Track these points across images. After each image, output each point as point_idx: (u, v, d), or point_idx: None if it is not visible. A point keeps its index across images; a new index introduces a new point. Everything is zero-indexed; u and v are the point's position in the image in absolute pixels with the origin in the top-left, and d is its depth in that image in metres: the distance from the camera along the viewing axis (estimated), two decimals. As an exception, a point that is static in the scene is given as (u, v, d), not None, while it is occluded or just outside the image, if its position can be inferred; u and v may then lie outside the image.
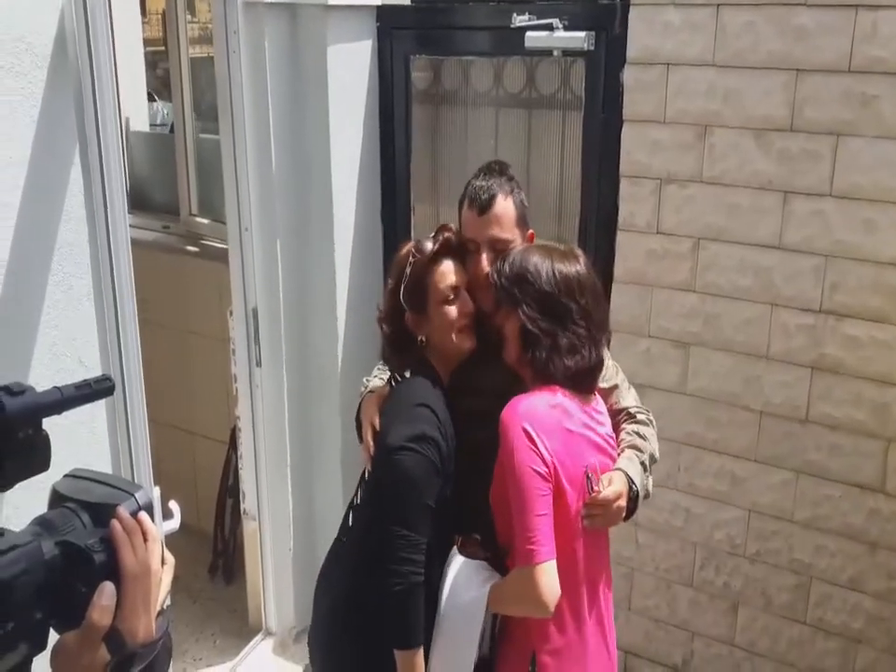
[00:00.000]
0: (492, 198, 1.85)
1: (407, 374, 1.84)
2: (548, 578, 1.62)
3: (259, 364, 2.91)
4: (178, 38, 3.78)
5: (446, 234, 1.85)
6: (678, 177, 2.54)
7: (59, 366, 1.90)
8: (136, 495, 0.81)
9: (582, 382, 1.76)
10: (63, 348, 1.98)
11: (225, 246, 2.96)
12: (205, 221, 3.84)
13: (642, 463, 1.85)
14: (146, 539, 0.81)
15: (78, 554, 0.76)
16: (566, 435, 1.68)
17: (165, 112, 6.88)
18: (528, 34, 2.56)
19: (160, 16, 9.22)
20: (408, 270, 1.81)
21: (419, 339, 1.84)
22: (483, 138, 2.95)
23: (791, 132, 2.36)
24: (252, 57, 2.66)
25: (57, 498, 0.81)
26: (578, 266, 1.77)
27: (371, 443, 1.84)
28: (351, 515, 1.93)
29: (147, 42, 9.89)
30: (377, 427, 1.84)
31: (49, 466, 0.77)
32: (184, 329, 3.65)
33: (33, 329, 1.91)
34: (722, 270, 2.53)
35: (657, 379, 2.69)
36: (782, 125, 2.37)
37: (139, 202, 4.10)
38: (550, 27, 2.55)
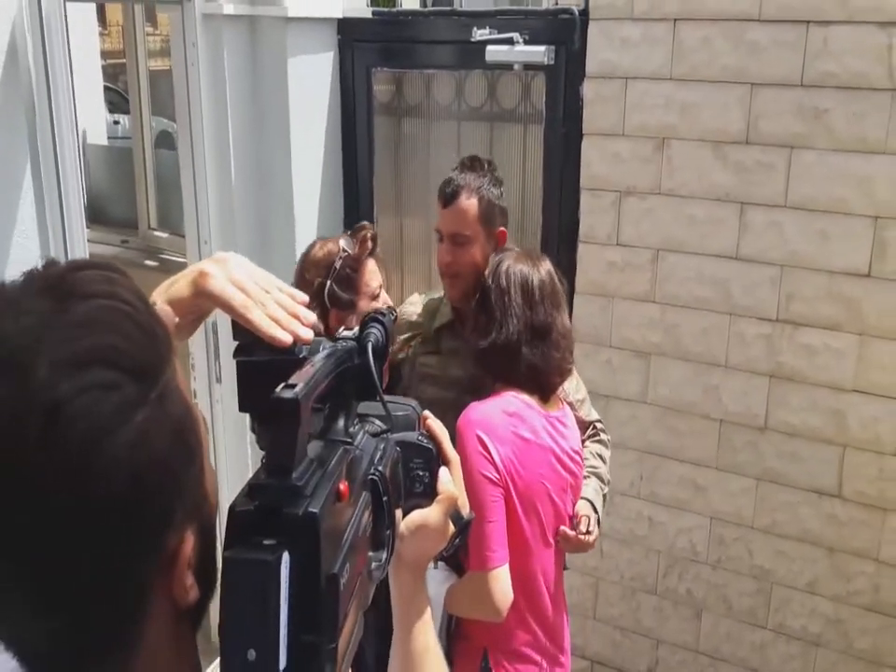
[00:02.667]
0: (455, 193, 1.91)
1: None
2: (500, 583, 1.64)
3: (219, 380, 2.88)
4: (137, 50, 3.75)
5: (369, 233, 1.87)
6: (637, 190, 2.58)
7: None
8: (413, 405, 0.90)
9: (542, 383, 1.77)
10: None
11: (185, 260, 2.93)
12: (164, 235, 3.80)
13: (604, 495, 1.92)
14: None
15: (415, 448, 0.86)
16: (520, 443, 1.69)
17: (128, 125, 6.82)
18: (489, 48, 2.58)
19: (120, 28, 9.14)
20: (337, 266, 1.81)
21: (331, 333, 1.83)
22: (445, 151, 2.97)
23: (747, 144, 2.41)
24: (211, 69, 2.64)
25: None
26: (538, 270, 1.79)
27: None
28: None
29: (107, 54, 9.82)
30: None
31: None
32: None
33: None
34: (681, 280, 2.57)
35: (619, 389, 2.72)
36: (738, 138, 2.42)
37: (97, 216, 4.05)
38: (510, 41, 2.58)
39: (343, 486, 0.63)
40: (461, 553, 1.75)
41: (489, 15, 2.69)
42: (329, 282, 1.80)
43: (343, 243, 1.84)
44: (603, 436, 2.05)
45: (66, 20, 2.02)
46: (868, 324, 2.34)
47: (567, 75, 2.61)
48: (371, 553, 0.72)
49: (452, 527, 0.88)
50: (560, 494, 1.77)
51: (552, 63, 2.58)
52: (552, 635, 1.83)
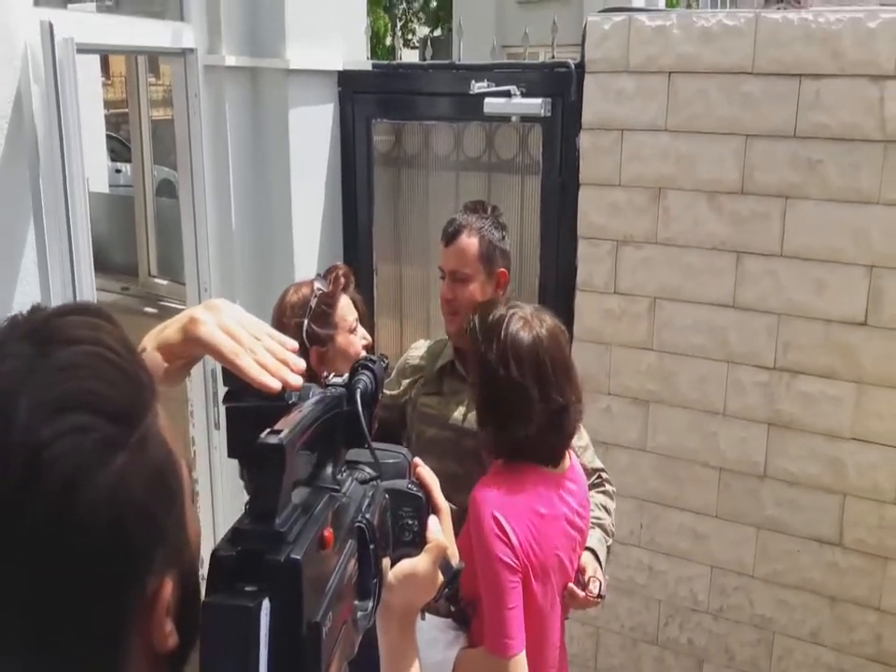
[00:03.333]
0: (456, 232, 1.98)
1: None
2: (519, 669, 1.62)
3: (217, 426, 2.87)
4: (139, 100, 3.81)
5: (341, 271, 1.91)
6: (634, 239, 2.60)
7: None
8: (404, 452, 0.91)
9: (558, 455, 1.72)
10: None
11: (184, 307, 2.94)
12: (164, 282, 3.82)
13: (608, 547, 1.92)
14: None
15: (404, 496, 0.86)
16: (537, 520, 1.64)
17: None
18: (487, 100, 2.63)
19: (123, 78, 9.29)
20: (312, 305, 1.83)
21: (323, 376, 1.82)
22: (444, 201, 3.00)
23: (742, 194, 2.44)
24: (213, 119, 2.68)
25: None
26: (535, 332, 1.69)
27: None
28: None
29: (110, 104, 9.96)
30: None
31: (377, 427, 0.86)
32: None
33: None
34: (679, 329, 2.58)
35: (618, 436, 2.71)
36: (733, 188, 2.45)
37: (98, 262, 4.04)
38: (508, 94, 2.63)
39: (327, 533, 0.62)
40: (468, 609, 1.72)
41: (487, 68, 2.74)
42: (305, 321, 1.82)
43: (316, 283, 1.87)
44: (608, 486, 2.03)
45: (76, 70, 2.07)
46: (865, 372, 2.35)
47: (563, 126, 2.66)
48: (356, 602, 0.72)
49: (441, 577, 0.88)
50: (570, 554, 1.73)
51: (548, 114, 2.63)
52: None
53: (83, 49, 2.15)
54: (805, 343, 2.42)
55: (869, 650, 2.45)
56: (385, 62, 3.11)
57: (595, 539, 1.87)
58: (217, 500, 2.93)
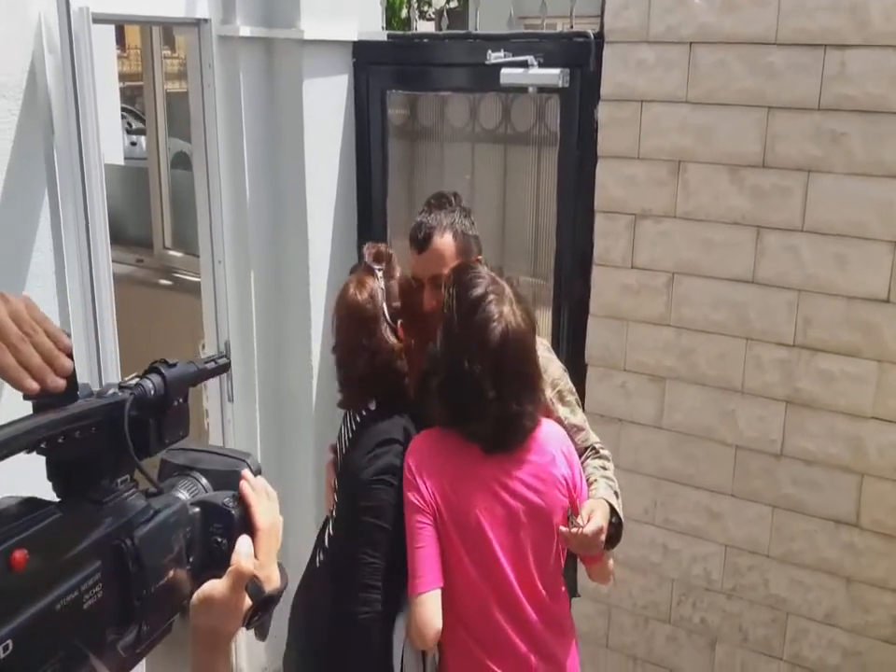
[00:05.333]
0: (428, 236, 1.89)
1: (372, 406, 1.84)
2: (424, 608, 1.63)
3: (230, 399, 2.87)
4: (154, 72, 3.78)
5: (384, 249, 1.92)
6: (652, 213, 2.56)
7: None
8: (248, 461, 0.90)
9: (487, 444, 1.72)
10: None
11: (198, 279, 2.93)
12: (179, 254, 3.82)
13: (615, 492, 1.87)
14: (267, 498, 0.90)
15: (216, 511, 0.83)
16: (452, 476, 1.69)
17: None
18: (503, 70, 2.58)
19: (138, 50, 9.26)
20: (391, 286, 1.85)
21: (406, 344, 1.83)
22: (459, 173, 2.96)
23: (764, 168, 2.39)
24: (227, 91, 2.66)
25: (173, 468, 0.89)
26: (504, 328, 1.67)
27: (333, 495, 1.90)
28: (320, 553, 1.92)
29: (125, 77, 9.93)
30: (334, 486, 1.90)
31: (188, 432, 0.83)
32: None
33: None
34: (697, 304, 2.54)
35: (634, 413, 2.69)
36: (755, 161, 2.40)
37: (113, 235, 4.05)
38: (525, 64, 2.58)
39: (18, 554, 0.59)
40: None
41: (504, 38, 2.69)
42: (384, 304, 1.82)
43: (375, 268, 1.86)
44: (603, 451, 1.99)
45: (91, 40, 2.05)
46: (888, 350, 2.30)
47: (581, 97, 2.61)
48: (112, 628, 0.69)
49: (249, 602, 0.83)
50: (506, 520, 1.72)
51: (566, 85, 2.58)
52: (523, 667, 1.78)
53: (98, 19, 2.13)
54: (826, 320, 2.37)
55: (885, 631, 2.42)
56: (401, 32, 3.06)
57: (601, 489, 1.84)
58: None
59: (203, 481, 0.87)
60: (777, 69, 2.33)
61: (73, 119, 2.01)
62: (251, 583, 0.83)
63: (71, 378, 0.72)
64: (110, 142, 4.55)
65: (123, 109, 6.40)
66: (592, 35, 2.55)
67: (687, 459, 2.64)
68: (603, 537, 1.72)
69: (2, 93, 1.88)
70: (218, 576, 0.82)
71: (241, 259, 2.78)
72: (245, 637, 3.08)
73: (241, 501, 0.86)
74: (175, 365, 0.80)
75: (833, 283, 2.35)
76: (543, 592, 1.78)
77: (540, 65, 2.57)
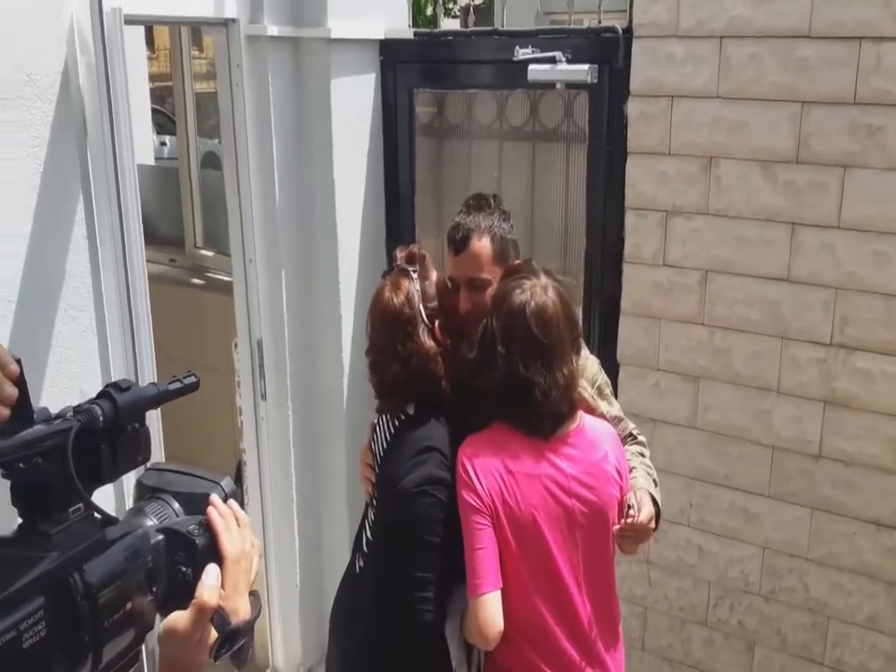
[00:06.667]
0: (466, 238, 1.86)
1: (410, 411, 1.81)
2: (486, 610, 1.63)
3: (263, 397, 2.89)
4: (183, 73, 3.80)
5: (417, 250, 1.88)
6: (683, 209, 2.52)
7: (61, 398, 1.88)
8: (222, 483, 0.87)
9: (528, 427, 1.73)
10: (65, 380, 1.97)
11: (230, 279, 2.95)
12: (210, 254, 3.85)
13: (654, 480, 1.89)
14: (238, 524, 0.86)
15: (181, 539, 0.80)
16: (507, 475, 1.69)
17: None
18: (531, 66, 2.56)
19: (167, 51, 9.34)
20: (427, 287, 1.83)
21: (444, 345, 1.81)
22: (486, 171, 2.95)
23: (798, 164, 2.35)
24: (256, 90, 2.66)
25: (146, 491, 0.87)
26: (526, 300, 1.70)
27: (370, 479, 1.87)
28: (360, 559, 1.90)
29: (155, 77, 10.03)
30: (370, 464, 1.88)
31: (150, 457, 0.81)
32: (190, 361, 3.62)
33: (35, 360, 1.91)
34: (730, 302, 2.50)
35: (667, 413, 2.65)
36: (788, 157, 2.35)
37: (145, 234, 4.10)
38: (553, 60, 2.55)
39: None
40: None
41: (531, 34, 2.67)
42: (420, 306, 1.79)
43: (410, 269, 1.83)
44: (640, 437, 2.03)
45: (124, 41, 2.06)
46: (928, 348, 2.25)
47: (610, 93, 2.58)
48: (62, 665, 0.67)
49: (214, 634, 0.81)
50: (559, 521, 1.71)
51: (595, 81, 2.55)
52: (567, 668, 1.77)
53: (130, 20, 2.14)
54: (864, 319, 2.32)
55: (928, 635, 2.38)
56: (427, 29, 3.05)
57: (640, 478, 1.86)
58: (263, 470, 2.95)
59: (175, 504, 0.85)
60: (810, 63, 2.28)
61: (106, 119, 2.02)
62: (216, 615, 0.80)
63: (20, 404, 0.70)
64: (141, 142, 4.58)
65: (154, 110, 6.46)
66: (620, 31, 2.51)
67: (722, 459, 2.60)
68: (653, 524, 1.74)
69: (36, 95, 1.90)
70: (184, 606, 0.79)
71: (271, 257, 2.79)
72: (280, 634, 3.10)
73: (208, 528, 0.83)
74: (128, 388, 0.77)
75: (870, 280, 2.30)
76: (597, 595, 1.78)
77: (568, 61, 2.55)
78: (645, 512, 1.74)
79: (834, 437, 2.41)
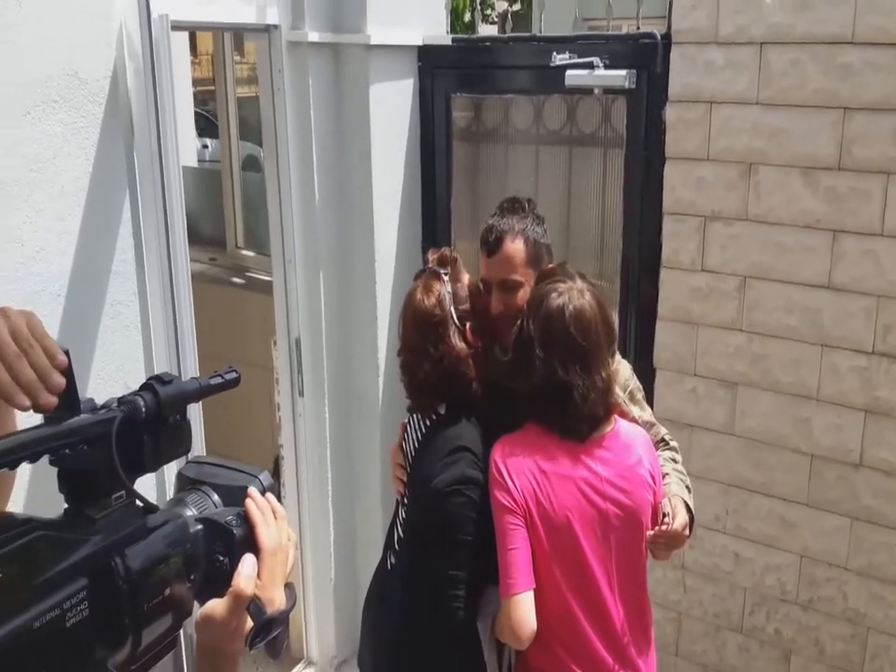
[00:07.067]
0: (499, 240, 1.87)
1: (441, 411, 1.83)
2: (519, 610, 1.63)
3: (301, 394, 2.92)
4: (226, 78, 3.86)
5: (450, 253, 1.90)
6: (722, 215, 2.51)
7: (107, 390, 1.93)
8: (260, 477, 0.89)
9: (564, 430, 1.73)
10: (110, 373, 2.02)
11: (269, 278, 2.99)
12: (251, 254, 3.90)
13: (687, 486, 1.89)
14: (275, 517, 0.88)
15: (219, 529, 0.82)
16: (540, 475, 1.69)
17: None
18: (569, 72, 2.57)
19: (209, 57, 9.49)
20: (458, 289, 1.83)
21: (475, 347, 1.81)
22: (523, 176, 2.95)
23: (839, 170, 2.32)
24: (296, 94, 2.70)
25: (186, 482, 0.89)
26: (564, 304, 1.70)
27: (401, 479, 1.89)
28: (391, 556, 1.92)
29: (197, 82, 10.18)
30: (402, 463, 1.89)
31: (189, 449, 0.83)
32: (230, 357, 3.67)
33: (83, 354, 1.96)
34: (770, 309, 2.48)
35: (705, 419, 2.64)
36: (830, 164, 2.33)
37: (188, 234, 4.18)
38: (590, 65, 2.55)
39: None
40: None
41: (569, 40, 2.67)
42: (451, 308, 1.80)
43: (442, 272, 1.84)
44: (672, 443, 2.02)
45: (170, 46, 2.11)
46: (972, 357, 2.21)
47: (648, 99, 2.57)
48: (102, 646, 0.69)
49: (250, 623, 0.82)
50: (592, 524, 1.71)
51: (633, 86, 2.55)
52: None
53: (176, 27, 2.19)
54: (908, 327, 2.29)
55: (968, 649, 2.33)
56: (465, 35, 3.07)
57: (673, 484, 1.86)
58: (300, 465, 2.99)
59: (214, 496, 0.87)
60: (853, 69, 2.26)
61: (153, 121, 2.07)
62: (252, 605, 0.82)
63: (67, 394, 0.72)
64: (184, 145, 4.66)
65: (196, 113, 6.56)
66: (659, 36, 2.51)
67: (760, 467, 2.57)
68: (688, 532, 1.72)
69: (87, 97, 1.95)
70: (221, 594, 0.81)
71: (310, 258, 2.82)
72: (315, 626, 3.13)
73: (246, 520, 0.85)
74: (170, 382, 0.78)
75: (914, 288, 2.27)
76: (629, 599, 1.77)
77: (606, 67, 2.55)
78: (679, 520, 1.75)
79: (876, 446, 2.38)
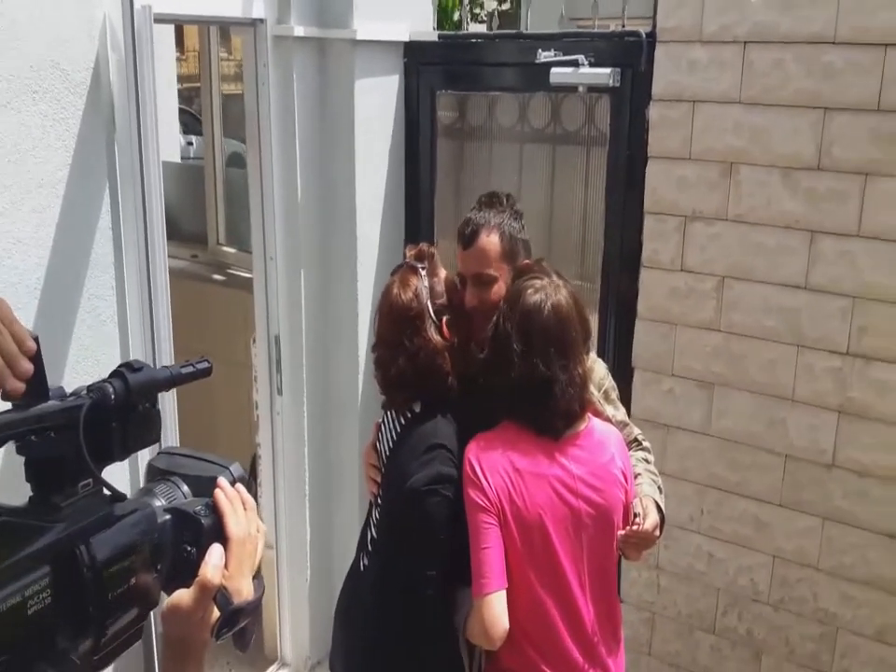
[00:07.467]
0: (475, 233, 1.86)
1: (417, 408, 1.82)
2: (491, 609, 1.63)
3: (280, 392, 2.91)
4: (211, 73, 3.85)
5: (427, 248, 1.90)
6: (703, 215, 2.52)
7: (81, 383, 1.91)
8: (231, 468, 0.89)
9: (539, 427, 1.73)
10: (86, 367, 2.01)
11: (250, 275, 2.98)
12: (232, 251, 3.89)
13: (658, 487, 1.90)
14: (245, 508, 0.88)
15: (187, 519, 0.82)
16: (514, 473, 1.69)
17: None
18: (553, 69, 2.57)
19: (196, 53, 9.46)
20: (435, 284, 1.84)
21: (451, 342, 1.81)
22: (507, 173, 2.96)
23: (819, 170, 2.34)
24: (281, 89, 2.69)
25: (156, 473, 0.89)
26: (541, 300, 1.71)
27: (374, 479, 1.89)
28: (364, 557, 1.91)
29: (183, 78, 10.14)
30: (375, 464, 1.88)
31: (160, 438, 0.82)
32: (208, 354, 3.65)
33: (58, 347, 1.95)
34: (747, 309, 2.49)
35: (681, 419, 2.65)
36: (809, 164, 2.35)
37: (169, 230, 4.15)
38: (575, 63, 2.56)
39: None
40: None
41: (554, 37, 2.68)
42: (428, 302, 1.80)
43: (419, 266, 1.84)
44: (645, 443, 2.03)
45: (153, 38, 2.10)
46: (947, 359, 2.23)
47: (632, 97, 2.58)
48: (65, 635, 0.68)
49: (217, 613, 0.82)
50: (565, 522, 1.71)
51: (617, 85, 2.56)
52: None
53: (159, 19, 2.18)
54: (883, 329, 2.31)
55: (939, 650, 2.35)
56: (452, 32, 3.07)
57: (645, 485, 1.87)
58: (278, 464, 2.98)
59: (184, 487, 0.87)
60: (835, 69, 2.27)
61: (133, 114, 2.06)
62: (219, 595, 0.81)
63: (35, 380, 0.71)
64: (167, 140, 4.64)
65: (181, 110, 6.54)
66: (643, 35, 2.52)
67: (735, 467, 2.59)
68: (658, 532, 1.72)
69: (68, 88, 1.94)
70: (188, 585, 0.81)
71: (291, 256, 2.82)
72: (289, 627, 3.12)
73: (214, 510, 0.85)
74: (141, 369, 0.78)
75: (891, 290, 2.28)
76: (600, 598, 1.77)
77: (591, 64, 2.56)
78: (650, 520, 1.75)
79: (848, 447, 2.40)
